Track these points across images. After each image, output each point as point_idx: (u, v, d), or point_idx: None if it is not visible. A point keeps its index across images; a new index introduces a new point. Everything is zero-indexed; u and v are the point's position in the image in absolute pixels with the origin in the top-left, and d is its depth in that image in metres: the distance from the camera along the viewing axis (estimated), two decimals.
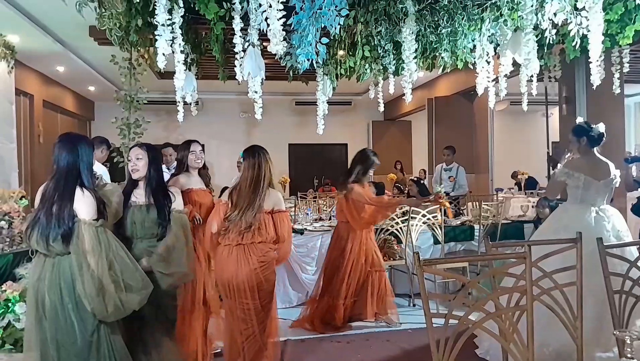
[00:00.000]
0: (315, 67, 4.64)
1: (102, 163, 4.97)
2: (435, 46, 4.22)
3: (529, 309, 2.03)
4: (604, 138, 3.67)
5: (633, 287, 2.37)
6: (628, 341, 1.67)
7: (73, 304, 2.42)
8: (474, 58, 4.28)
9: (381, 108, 5.73)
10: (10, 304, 3.28)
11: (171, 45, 3.25)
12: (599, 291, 2.65)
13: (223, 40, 4.20)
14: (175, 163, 5.99)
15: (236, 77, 3.63)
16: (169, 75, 3.61)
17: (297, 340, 4.16)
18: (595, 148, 3.68)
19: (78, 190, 2.46)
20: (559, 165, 3.95)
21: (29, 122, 7.86)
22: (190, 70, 4.53)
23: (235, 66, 3.57)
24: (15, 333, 3.21)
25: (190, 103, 4.54)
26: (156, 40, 3.18)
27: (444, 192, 4.92)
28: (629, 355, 1.65)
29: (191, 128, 9.29)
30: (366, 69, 4.92)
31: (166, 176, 4.97)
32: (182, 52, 3.40)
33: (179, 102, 4.33)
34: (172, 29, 3.24)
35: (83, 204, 2.45)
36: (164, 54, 3.21)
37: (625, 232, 3.53)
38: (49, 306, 2.43)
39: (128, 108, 5.32)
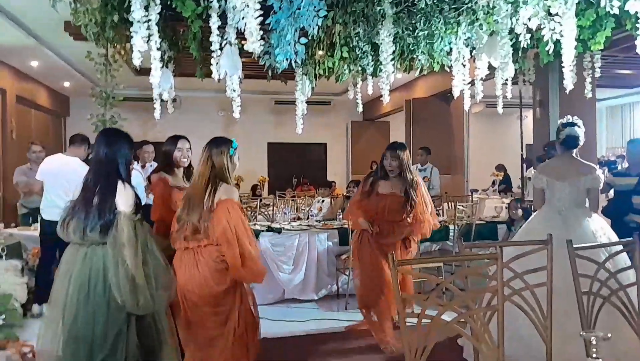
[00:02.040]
0: (294, 67, 4.63)
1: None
2: (412, 48, 4.25)
3: (500, 309, 2.08)
4: (570, 140, 3.64)
5: (601, 288, 2.42)
6: (594, 342, 1.71)
7: (100, 294, 2.41)
8: (451, 61, 4.33)
9: (359, 108, 5.75)
10: None
11: (147, 42, 3.20)
12: (564, 293, 2.70)
13: (201, 38, 4.15)
14: (153, 161, 5.96)
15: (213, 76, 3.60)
16: (146, 71, 3.55)
17: (274, 338, 4.17)
18: (573, 150, 3.67)
19: (120, 184, 2.53)
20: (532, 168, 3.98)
21: (1, 117, 7.69)
22: (167, 67, 4.48)
23: (212, 65, 3.54)
24: None
25: (167, 101, 4.49)
26: (132, 37, 3.14)
27: None
28: (594, 355, 1.70)
29: (169, 125, 9.14)
30: (345, 70, 4.93)
31: (137, 175, 4.91)
32: (158, 49, 3.34)
33: (155, 99, 4.28)
34: (149, 25, 3.17)
35: (124, 197, 2.51)
36: (140, 51, 3.15)
37: (600, 231, 3.40)
38: (72, 295, 2.42)
39: (104, 105, 5.22)
